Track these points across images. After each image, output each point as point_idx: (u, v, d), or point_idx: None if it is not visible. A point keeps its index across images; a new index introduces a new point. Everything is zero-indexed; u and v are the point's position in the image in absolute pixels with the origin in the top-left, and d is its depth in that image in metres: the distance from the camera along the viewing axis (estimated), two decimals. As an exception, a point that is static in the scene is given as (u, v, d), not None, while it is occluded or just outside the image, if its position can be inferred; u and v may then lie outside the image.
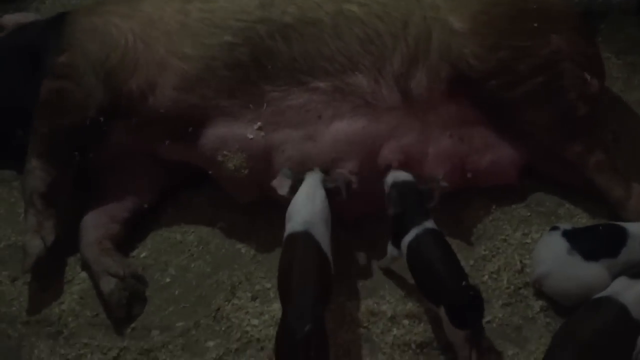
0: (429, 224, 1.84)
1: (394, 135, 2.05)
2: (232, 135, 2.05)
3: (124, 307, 1.98)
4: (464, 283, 1.73)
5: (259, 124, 2.06)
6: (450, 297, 1.71)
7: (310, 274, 1.72)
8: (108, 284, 1.98)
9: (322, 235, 1.81)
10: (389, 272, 2.04)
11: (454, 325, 1.71)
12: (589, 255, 1.86)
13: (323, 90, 2.05)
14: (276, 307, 1.93)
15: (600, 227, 1.96)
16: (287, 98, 2.06)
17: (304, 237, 1.79)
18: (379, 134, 2.04)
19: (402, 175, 1.95)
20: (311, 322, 1.59)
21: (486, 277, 2.00)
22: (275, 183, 1.95)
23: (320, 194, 1.90)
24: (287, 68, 2.06)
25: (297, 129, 2.05)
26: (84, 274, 2.11)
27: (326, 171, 1.98)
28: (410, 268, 1.85)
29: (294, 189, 1.92)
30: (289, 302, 1.70)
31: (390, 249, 1.96)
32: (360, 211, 2.10)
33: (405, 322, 1.91)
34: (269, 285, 2.02)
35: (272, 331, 1.91)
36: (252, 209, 2.06)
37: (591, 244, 1.89)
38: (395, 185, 1.92)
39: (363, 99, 2.05)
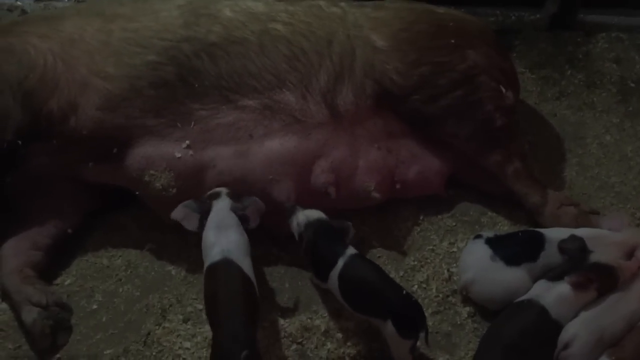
0: (350, 250, 1.86)
1: (324, 150, 2.07)
2: (159, 154, 2.02)
3: (48, 337, 1.91)
4: (404, 292, 1.77)
5: (187, 142, 2.03)
6: (397, 308, 1.73)
7: (237, 297, 1.71)
8: (30, 314, 1.91)
9: (242, 260, 1.79)
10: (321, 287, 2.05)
11: (402, 335, 1.72)
12: (511, 260, 1.95)
13: (252, 109, 2.06)
14: (209, 328, 1.88)
15: (520, 234, 2.05)
16: (216, 116, 2.05)
17: (224, 264, 1.77)
18: (310, 151, 2.06)
19: (314, 214, 1.93)
20: (247, 347, 1.58)
21: (416, 286, 2.06)
22: (176, 215, 1.90)
23: (233, 220, 1.86)
24: (215, 86, 2.05)
25: (228, 145, 2.03)
26: (4, 305, 2.02)
27: (235, 195, 1.93)
28: (344, 295, 1.84)
29: (202, 222, 1.87)
30: (218, 327, 1.68)
31: (317, 282, 1.99)
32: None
33: (339, 335, 1.93)
34: (201, 307, 1.99)
35: (205, 353, 1.88)
36: (182, 229, 2.02)
37: (512, 250, 1.97)
38: (310, 225, 1.90)
39: (292, 116, 2.06)
